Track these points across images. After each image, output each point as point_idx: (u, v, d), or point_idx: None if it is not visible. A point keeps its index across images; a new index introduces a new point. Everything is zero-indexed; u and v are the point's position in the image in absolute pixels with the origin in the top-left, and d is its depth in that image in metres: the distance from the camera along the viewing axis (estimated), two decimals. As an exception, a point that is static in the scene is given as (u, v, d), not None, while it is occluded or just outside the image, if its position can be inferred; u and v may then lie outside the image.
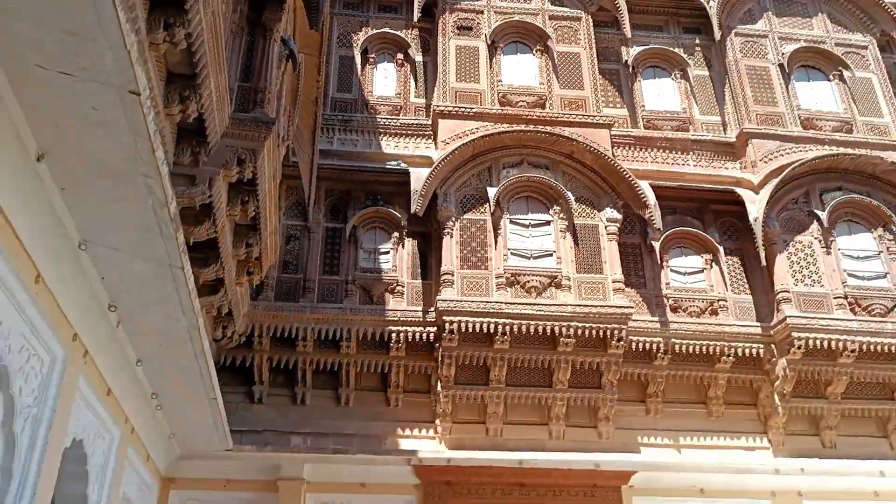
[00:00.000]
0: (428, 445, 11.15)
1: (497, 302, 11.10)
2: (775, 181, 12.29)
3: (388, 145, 12.62)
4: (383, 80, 13.53)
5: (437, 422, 11.41)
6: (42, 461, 5.86)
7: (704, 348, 11.64)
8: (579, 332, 11.08)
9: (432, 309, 11.40)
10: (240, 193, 8.08)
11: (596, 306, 11.21)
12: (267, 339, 11.12)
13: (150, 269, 5.78)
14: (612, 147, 12.58)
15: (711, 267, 12.45)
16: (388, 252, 12.05)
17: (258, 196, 8.10)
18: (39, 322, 5.67)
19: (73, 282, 5.89)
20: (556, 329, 11.05)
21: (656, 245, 12.22)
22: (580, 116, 12.66)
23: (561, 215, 11.90)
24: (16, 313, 5.31)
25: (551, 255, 11.67)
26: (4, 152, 4.46)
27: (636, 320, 11.57)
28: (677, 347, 11.63)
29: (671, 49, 14.28)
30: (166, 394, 8.45)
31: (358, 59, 13.58)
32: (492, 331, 10.97)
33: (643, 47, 14.16)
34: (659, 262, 12.32)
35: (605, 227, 11.89)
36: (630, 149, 13.08)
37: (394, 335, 11.28)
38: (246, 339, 11.08)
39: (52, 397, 6.05)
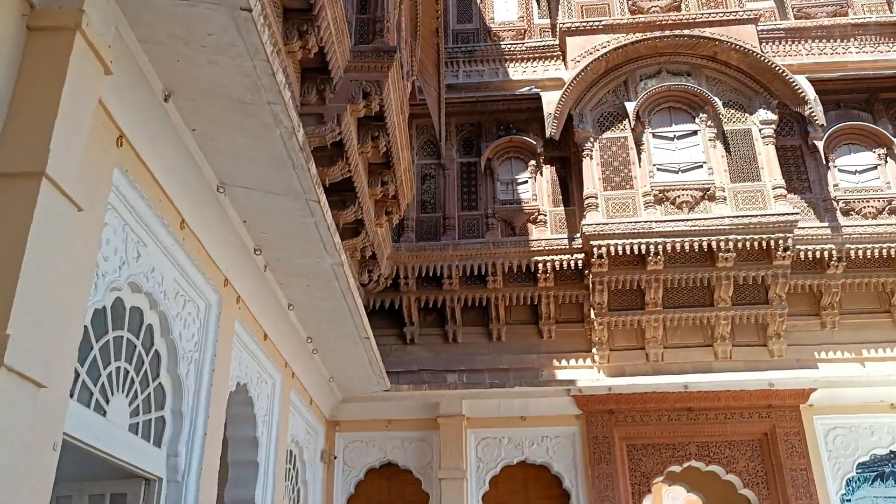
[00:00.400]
0: (586, 375, 10.82)
1: (646, 221, 10.50)
2: (956, 57, 10.86)
3: (516, 72, 12.11)
4: (504, 5, 12.99)
5: (594, 350, 11.03)
6: (209, 403, 6.00)
7: (885, 251, 10.56)
8: (739, 245, 10.30)
9: (578, 235, 10.95)
10: (369, 129, 7.92)
11: (756, 216, 10.37)
12: (413, 280, 11.08)
13: (286, 205, 5.71)
14: (760, 44, 11.49)
15: (886, 162, 11.24)
16: (526, 182, 11.67)
17: (387, 130, 7.91)
18: (190, 268, 5.76)
19: (216, 226, 5.93)
20: (714, 244, 10.33)
21: (819, 144, 11.15)
22: (721, 14, 11.62)
23: (708, 123, 11.04)
24: (166, 259, 5.39)
25: (701, 166, 10.88)
26: (132, 94, 4.44)
27: (803, 228, 10.63)
28: (852, 253, 10.60)
29: (819, -73, 12.84)
30: (320, 337, 8.55)
31: (476, -13, 13.10)
32: (643, 252, 10.40)
33: (786, -70, 12.81)
34: (824, 162, 11.24)
35: (760, 131, 10.93)
36: (781, 43, 11.92)
37: (540, 265, 10.94)
38: (392, 282, 11.09)
39: (211, 342, 6.18)
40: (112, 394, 4.84)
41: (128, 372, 5.11)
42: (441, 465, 10.39)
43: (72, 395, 4.31)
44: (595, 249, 10.42)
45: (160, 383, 5.58)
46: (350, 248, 9.08)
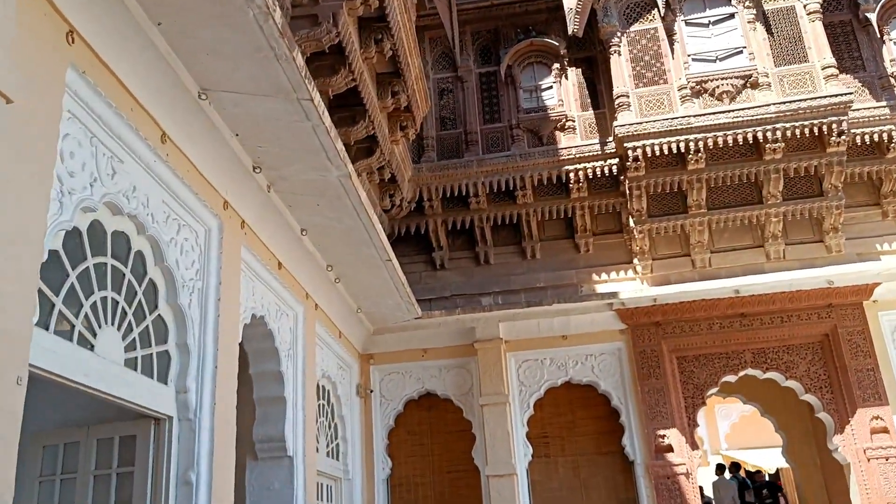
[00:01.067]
0: (629, 287, 10.17)
1: (684, 116, 9.68)
2: None
3: (532, -31, 11.21)
4: None
5: (636, 261, 10.37)
6: (217, 335, 5.52)
7: (950, 129, 9.64)
8: (788, 133, 9.46)
9: (611, 139, 10.20)
10: (371, 32, 7.24)
11: (805, 100, 9.48)
12: (437, 202, 10.47)
13: (278, 108, 5.09)
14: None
15: (946, 30, 10.21)
16: (550, 87, 10.87)
17: (391, 30, 7.21)
18: (180, 188, 5.21)
19: (205, 140, 5.35)
20: (760, 135, 9.50)
21: (872, 17, 10.13)
22: None
23: (746, 3, 10.06)
24: (149, 177, 4.85)
25: (741, 51, 9.96)
26: (79, -20, 3.82)
27: (857, 109, 9.72)
28: (913, 134, 9.70)
29: None
30: (340, 264, 8.03)
31: None
32: (683, 150, 9.63)
33: None
34: (878, 36, 10.22)
35: (804, 7, 9.95)
36: None
37: (572, 175, 10.24)
38: (416, 206, 10.51)
39: (214, 270, 5.67)
40: (99, 326, 4.36)
41: (117, 303, 4.62)
42: (481, 391, 9.92)
43: (46, 327, 3.84)
44: (630, 152, 9.67)
45: (160, 315, 5.10)
46: (365, 168, 8.50)
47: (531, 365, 10.21)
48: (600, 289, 10.23)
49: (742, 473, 14.26)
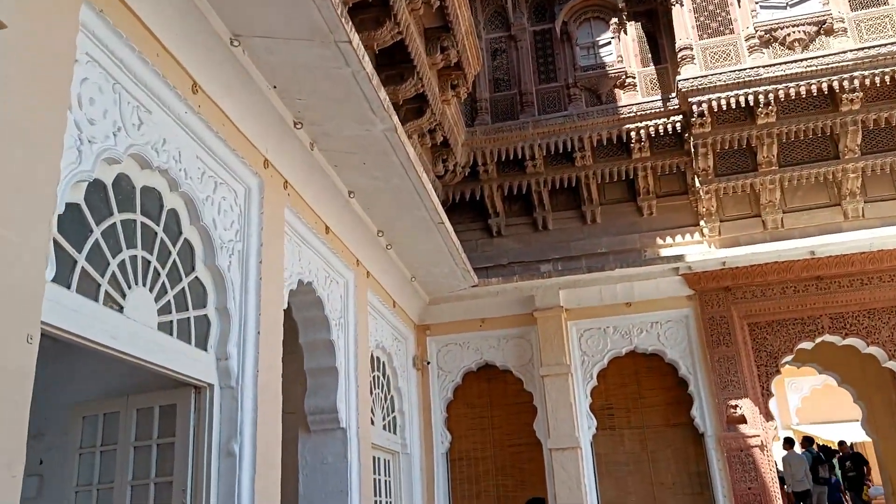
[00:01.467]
0: (696, 251, 9.62)
1: (753, 67, 9.05)
2: None
3: (586, -81, 10.63)
4: None
5: (702, 223, 9.81)
6: (259, 299, 5.25)
7: None
8: (867, 82, 8.78)
9: (674, 94, 9.63)
10: (417, -18, 6.86)
11: (885, 45, 8.76)
12: (493, 166, 10.07)
13: (314, 54, 4.75)
14: None
15: None
16: (608, 43, 10.34)
17: (438, -22, 6.82)
18: (215, 143, 4.93)
19: (240, 91, 5.05)
20: (836, 84, 8.83)
21: (960, -50, 9.30)
22: None
23: (820, -58, 9.36)
24: (180, 130, 4.57)
25: (814, -5, 9.28)
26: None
27: (944, 53, 8.96)
28: None
29: None
30: (391, 229, 7.70)
31: None
32: (752, 103, 9.01)
33: None
34: (967, -29, 9.39)
35: (884, -58, 9.20)
36: None
37: (633, 134, 9.72)
38: (471, 171, 10.13)
39: (255, 231, 5.39)
40: (129, 287, 4.11)
41: (149, 263, 4.37)
42: (542, 361, 9.51)
43: (67, 286, 3.59)
44: (695, 107, 9.10)
45: (197, 278, 4.84)
46: (416, 129, 8.16)
47: (593, 334, 9.75)
48: (665, 253, 9.71)
49: (815, 448, 13.55)
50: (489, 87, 10.33)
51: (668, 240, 9.88)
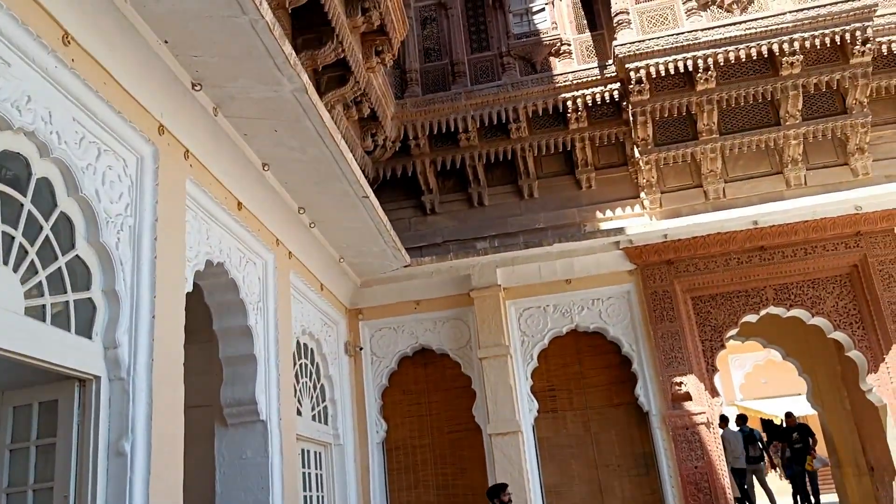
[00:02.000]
0: (637, 223, 9.29)
1: (691, 31, 8.73)
2: None
3: None
4: None
5: (643, 195, 9.48)
6: (153, 279, 4.68)
7: None
8: (807, 44, 8.53)
9: (610, 62, 9.26)
10: (332, -68, 6.31)
11: (825, 6, 8.51)
12: (424, 140, 9.57)
13: (205, 0, 4.19)
14: None
15: (979, -77, 9.15)
16: (542, 9, 9.92)
17: (355, -71, 6.28)
18: (96, 104, 4.33)
19: (126, 47, 4.45)
20: (776, 47, 8.56)
21: None
22: None
23: None
24: (49, 87, 3.98)
25: (751, -45, 8.98)
26: None
27: (882, 15, 8.77)
28: (946, 38, 8.73)
29: None
30: (313, 205, 7.17)
31: None
32: (691, 68, 8.70)
33: None
34: (903, -70, 9.20)
35: None
36: None
37: (570, 103, 9.33)
38: (402, 146, 9.62)
39: (149, 204, 4.81)
40: (-18, 265, 3.52)
41: (13, 238, 3.77)
42: (480, 343, 9.08)
43: None
44: (632, 74, 8.75)
45: (77, 256, 4.26)
46: (339, 99, 7.62)
47: (533, 313, 9.36)
48: (605, 227, 9.36)
49: (751, 425, 13.44)
50: (419, 58, 9.82)
51: (609, 213, 9.53)
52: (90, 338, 4.28)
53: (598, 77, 9.30)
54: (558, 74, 9.41)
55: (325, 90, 7.47)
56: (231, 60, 4.86)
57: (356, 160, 8.42)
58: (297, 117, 5.46)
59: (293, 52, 4.78)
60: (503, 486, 7.60)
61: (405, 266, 8.94)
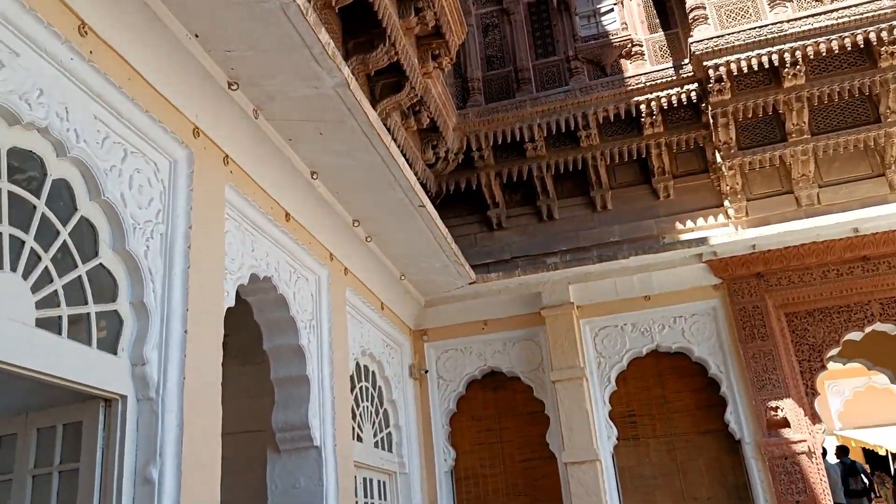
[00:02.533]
0: (721, 234, 8.56)
1: (776, 23, 8.04)
2: None
3: None
4: None
5: (727, 203, 8.77)
6: (187, 290, 4.31)
7: None
8: (908, 31, 7.72)
9: (686, 61, 8.64)
10: (381, -74, 5.97)
11: (928, -12, 7.72)
12: (489, 151, 9.12)
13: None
14: None
15: None
16: (611, 10, 9.40)
17: (405, -79, 5.92)
18: (120, 101, 4.02)
19: (152, 40, 4.15)
20: (874, 36, 7.79)
21: None
22: None
23: None
24: (63, 79, 3.66)
25: (841, -62, 8.25)
26: None
27: None
28: None
29: None
30: (369, 217, 6.76)
31: None
32: (776, 63, 7.99)
33: None
34: None
35: None
36: None
37: (643, 107, 8.73)
38: (465, 158, 9.18)
39: (182, 211, 4.46)
40: (-15, 270, 3.20)
41: (23, 243, 3.46)
42: (553, 365, 8.47)
43: None
44: (711, 72, 8.10)
45: (101, 264, 3.92)
46: (395, 106, 7.24)
47: (609, 332, 8.70)
48: (686, 238, 8.66)
49: (852, 457, 12.36)
50: (481, 66, 9.41)
51: (689, 224, 8.85)
52: (115, 353, 3.93)
53: (674, 78, 8.69)
54: (630, 77, 8.84)
55: (379, 97, 7.10)
56: (266, 54, 4.50)
57: (416, 173, 8.04)
58: (341, 117, 5.07)
59: (331, 42, 4.38)
60: None
61: (471, 283, 8.44)
